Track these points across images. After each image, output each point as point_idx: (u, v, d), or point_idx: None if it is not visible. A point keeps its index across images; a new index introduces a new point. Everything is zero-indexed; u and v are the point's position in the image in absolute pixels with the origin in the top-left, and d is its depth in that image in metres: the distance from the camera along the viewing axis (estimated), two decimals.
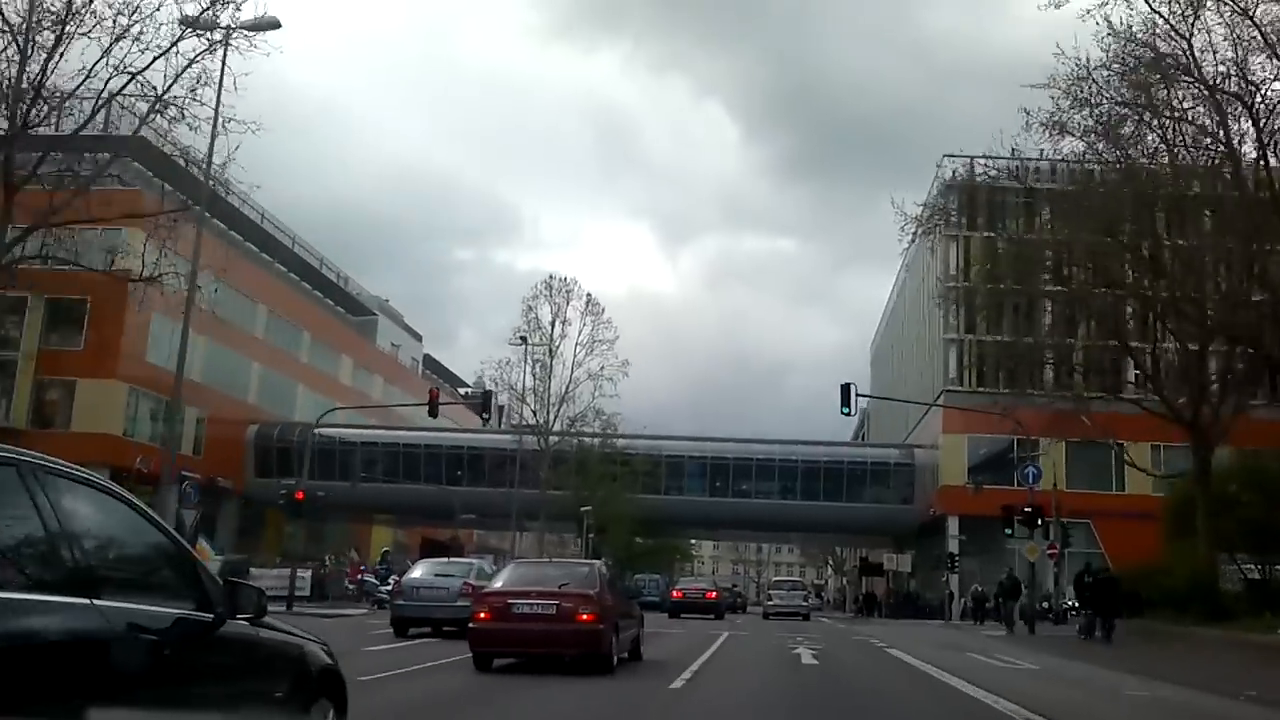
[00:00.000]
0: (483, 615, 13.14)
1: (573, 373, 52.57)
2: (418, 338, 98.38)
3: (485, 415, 51.65)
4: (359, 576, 36.84)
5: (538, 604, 12.94)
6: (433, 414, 30.55)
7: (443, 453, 60.54)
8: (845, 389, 27.70)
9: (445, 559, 27.82)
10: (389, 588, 31.88)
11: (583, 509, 49.60)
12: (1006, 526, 37.53)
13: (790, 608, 40.28)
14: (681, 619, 33.17)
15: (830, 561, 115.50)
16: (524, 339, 47.88)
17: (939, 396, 54.40)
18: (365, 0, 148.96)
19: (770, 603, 42.99)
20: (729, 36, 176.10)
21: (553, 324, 52.48)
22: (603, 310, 53.14)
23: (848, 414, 27.52)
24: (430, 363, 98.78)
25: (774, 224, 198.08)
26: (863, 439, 79.67)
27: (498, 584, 14.21)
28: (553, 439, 53.91)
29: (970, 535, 50.44)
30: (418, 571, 22.70)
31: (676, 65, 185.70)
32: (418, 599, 20.79)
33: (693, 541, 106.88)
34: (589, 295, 52.87)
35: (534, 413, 52.85)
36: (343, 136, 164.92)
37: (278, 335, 65.50)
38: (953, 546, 51.07)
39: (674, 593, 38.78)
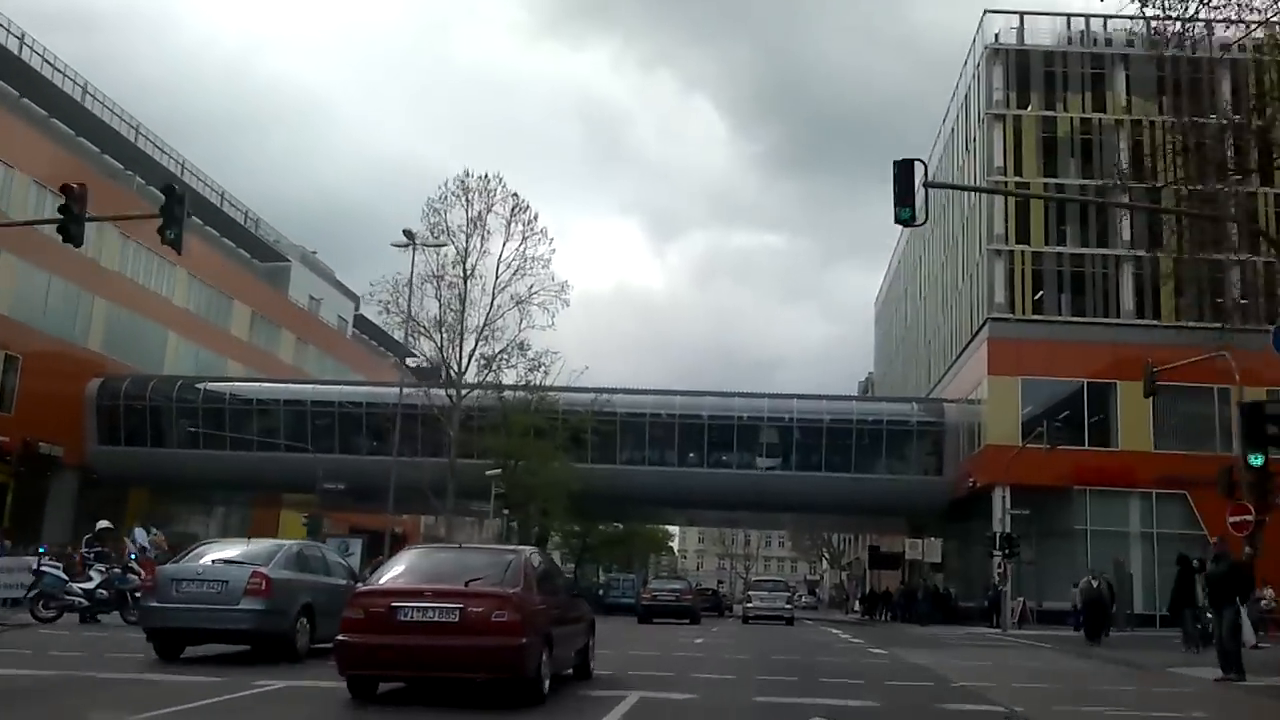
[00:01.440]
0: (356, 622, 9.49)
1: (494, 298, 39.27)
2: (352, 297, 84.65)
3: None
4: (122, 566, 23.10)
5: (433, 608, 9.38)
6: (68, 234, 15.92)
7: (306, 409, 47.24)
8: (904, 170, 13.96)
9: (247, 540, 16.39)
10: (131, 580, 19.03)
11: (489, 473, 36.05)
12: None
13: (771, 611, 35.86)
14: (654, 623, 30.69)
15: (826, 553, 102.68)
16: (410, 235, 34.23)
17: (980, 329, 41.06)
18: None
19: (749, 605, 37.59)
20: (717, 32, 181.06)
21: (469, 235, 39.11)
22: (535, 217, 39.81)
23: (908, 218, 14.05)
24: (364, 324, 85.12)
25: (763, 219, 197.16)
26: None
27: (382, 579, 10.24)
28: (473, 393, 40.60)
29: (1029, 512, 37.22)
30: (195, 558, 14.39)
31: (665, 61, 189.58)
32: (176, 599, 13.44)
33: (670, 529, 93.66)
34: (516, 196, 39.51)
35: (440, 351, 39.53)
36: (331, 131, 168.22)
37: (138, 268, 51.93)
38: (1001, 526, 37.89)
39: (643, 594, 35.82)
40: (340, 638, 9.64)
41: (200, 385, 50.54)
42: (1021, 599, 35.85)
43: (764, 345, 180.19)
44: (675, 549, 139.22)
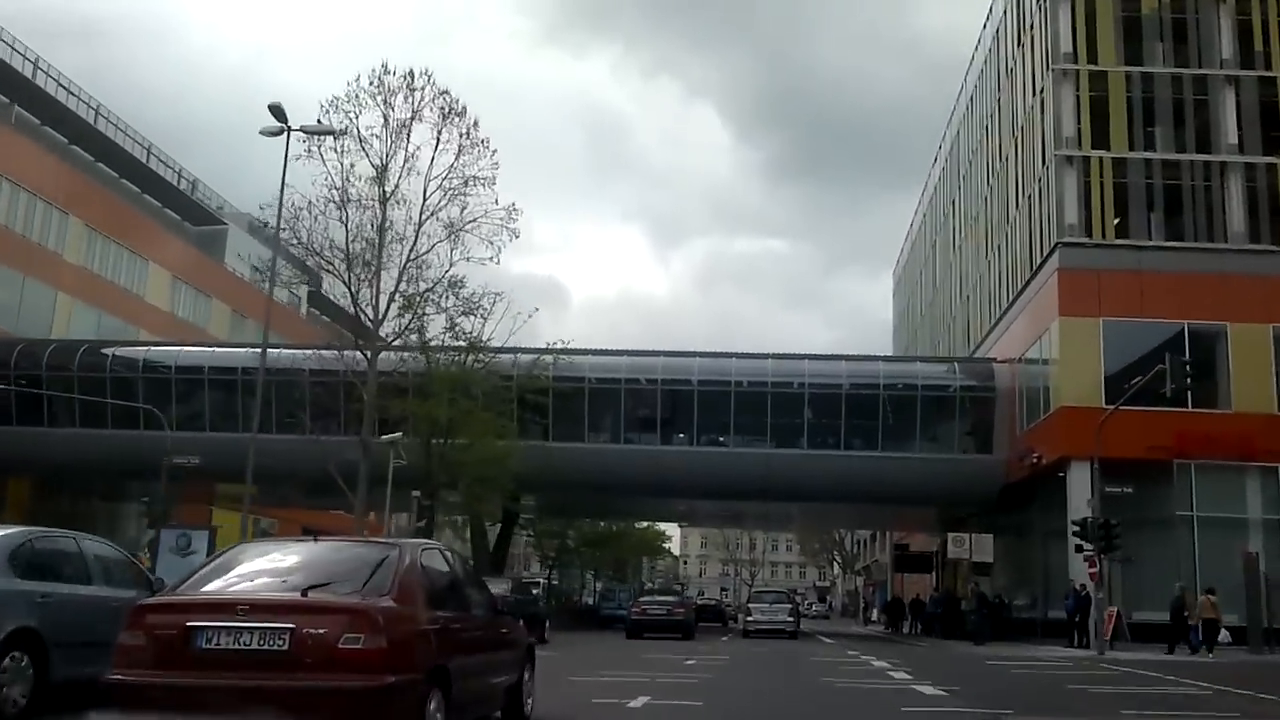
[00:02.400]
0: (133, 653, 6.42)
1: (420, 225, 30.28)
2: (314, 278, 75.48)
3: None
4: None
5: (250, 630, 6.32)
6: None
7: (172, 375, 38.30)
8: None
9: None
10: None
11: (387, 437, 26.52)
12: None
13: (773, 625, 33.72)
14: (644, 639, 28.71)
15: (838, 557, 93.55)
16: (279, 114, 24.75)
17: (1048, 259, 31.87)
18: (356, 4, 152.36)
19: (750, 618, 35.25)
20: (720, 39, 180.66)
21: (390, 144, 30.09)
22: (476, 124, 30.77)
23: None
24: (322, 302, 76.14)
25: (765, 225, 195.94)
26: None
27: (181, 586, 7.16)
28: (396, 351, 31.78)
29: (1130, 489, 28.06)
30: None
31: (667, 68, 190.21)
32: None
33: (667, 530, 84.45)
34: (448, 95, 30.45)
35: (350, 291, 30.49)
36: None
37: (16, 213, 43.33)
38: (1079, 512, 28.76)
39: (632, 608, 33.46)
40: (111, 677, 6.38)
41: (108, 350, 41.58)
42: (1115, 609, 26.67)
43: (768, 351, 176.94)
44: (675, 554, 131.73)
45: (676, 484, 38.48)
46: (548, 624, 26.69)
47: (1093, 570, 24.91)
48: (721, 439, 37.42)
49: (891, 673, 16.27)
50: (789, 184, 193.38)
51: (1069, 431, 29.57)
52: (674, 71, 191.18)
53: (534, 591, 37.16)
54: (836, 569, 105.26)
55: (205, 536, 23.80)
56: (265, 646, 6.21)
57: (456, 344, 31.16)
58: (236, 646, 6.23)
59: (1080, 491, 29.30)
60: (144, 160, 56.65)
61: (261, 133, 25.20)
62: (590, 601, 69.35)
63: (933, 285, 54.65)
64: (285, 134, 25.04)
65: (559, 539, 53.32)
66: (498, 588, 27.34)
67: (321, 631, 6.22)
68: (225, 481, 32.49)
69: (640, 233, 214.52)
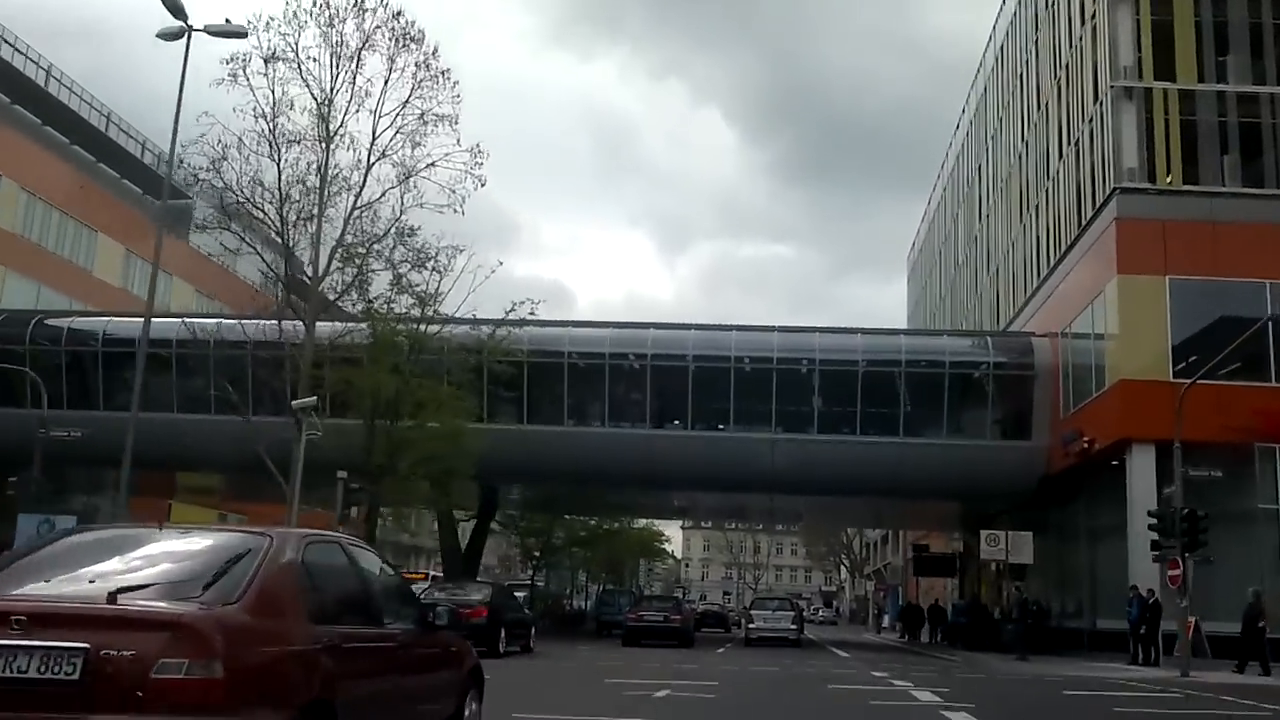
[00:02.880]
0: None
1: (369, 164, 25.89)
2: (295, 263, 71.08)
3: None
4: None
5: (26, 651, 4.50)
6: None
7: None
8: None
9: None
10: None
11: (297, 403, 21.81)
12: None
13: (775, 632, 32.12)
14: (641, 646, 27.67)
15: (846, 560, 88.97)
16: (178, 10, 20.16)
17: (1103, 208, 27.24)
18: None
19: (752, 625, 33.63)
20: (726, 41, 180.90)
21: (336, 75, 25.75)
22: (435, 51, 26.38)
23: None
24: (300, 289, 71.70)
25: (772, 229, 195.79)
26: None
27: None
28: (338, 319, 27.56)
29: (1218, 473, 23.54)
30: None
31: (674, 71, 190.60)
32: None
33: (665, 529, 79.71)
34: (400, 18, 26.00)
35: (284, 242, 26.08)
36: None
37: None
38: (1142, 503, 24.18)
39: (629, 615, 31.64)
40: None
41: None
42: (1193, 620, 22.08)
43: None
44: (677, 557, 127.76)
45: (669, 474, 33.93)
46: (534, 631, 24.60)
47: (1174, 572, 20.25)
48: (720, 423, 32.87)
49: (947, 712, 11.69)
50: (795, 187, 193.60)
51: (1129, 410, 25.05)
52: (681, 74, 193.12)
53: (517, 596, 32.84)
54: (844, 573, 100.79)
55: (73, 524, 19.36)
56: (48, 674, 4.47)
57: (404, 306, 26.63)
58: (6, 674, 4.46)
59: (1143, 479, 24.83)
60: (103, 129, 52.49)
61: (159, 36, 20.75)
62: (581, 606, 64.88)
63: (954, 265, 50.04)
64: (186, 36, 20.57)
65: (544, 537, 48.64)
66: (477, 593, 22.76)
67: (129, 654, 4.48)
68: (105, 464, 27.92)
69: (646, 236, 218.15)
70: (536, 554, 49.99)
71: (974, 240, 44.92)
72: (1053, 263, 32.03)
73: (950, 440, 31.74)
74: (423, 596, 28.02)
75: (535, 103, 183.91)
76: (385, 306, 26.83)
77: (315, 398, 21.96)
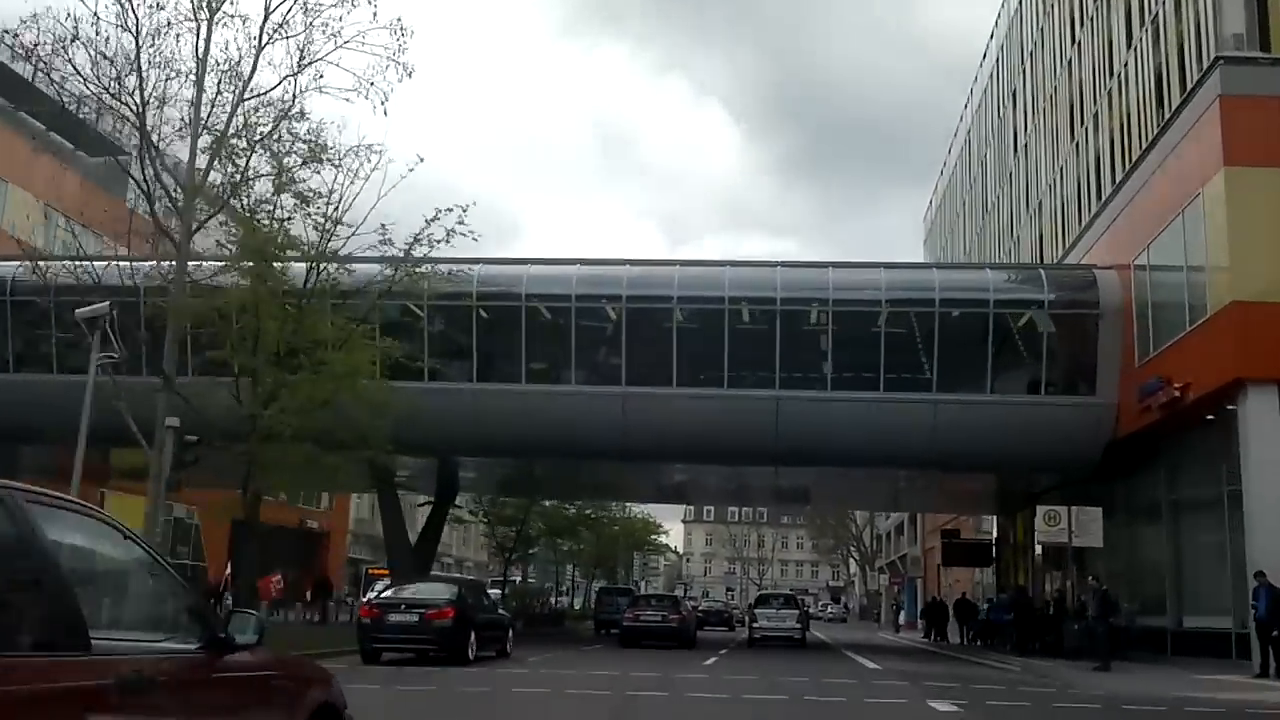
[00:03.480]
0: None
1: (260, 44, 20.05)
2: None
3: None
4: None
5: None
6: None
7: None
8: None
9: None
10: None
11: (81, 313, 15.74)
12: None
13: (780, 632, 31.21)
14: (641, 646, 27.09)
15: (856, 551, 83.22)
16: None
17: (1202, 82, 21.19)
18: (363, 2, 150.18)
19: (755, 624, 32.22)
20: (729, 37, 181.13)
21: None
22: None
23: None
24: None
25: (775, 225, 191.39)
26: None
27: None
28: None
29: None
30: None
31: (677, 67, 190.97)
32: None
33: (661, 519, 73.78)
34: None
35: (145, 142, 20.25)
36: (337, 142, 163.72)
37: None
38: (1263, 462, 18.32)
39: (626, 615, 30.45)
40: None
41: None
42: None
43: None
44: (679, 551, 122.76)
45: (650, 444, 27.96)
46: (511, 633, 22.07)
47: None
48: (713, 381, 26.87)
49: None
50: (799, 184, 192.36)
51: (1243, 341, 19.19)
52: (683, 70, 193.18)
53: (491, 594, 27.22)
54: (853, 567, 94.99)
55: None
56: None
57: (287, 209, 20.78)
58: None
59: (1264, 431, 18.89)
60: (29, 78, 46.72)
61: None
62: (567, 604, 59.30)
63: (982, 211, 44.01)
64: None
65: (517, 526, 42.70)
66: (443, 592, 19.37)
67: None
68: None
69: (650, 233, 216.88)
70: (509, 546, 44.07)
71: (1008, 177, 38.84)
72: (1119, 180, 26.03)
73: (994, 398, 25.78)
74: (380, 596, 22.63)
75: (538, 98, 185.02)
76: (269, 216, 20.97)
77: (108, 303, 16.10)
